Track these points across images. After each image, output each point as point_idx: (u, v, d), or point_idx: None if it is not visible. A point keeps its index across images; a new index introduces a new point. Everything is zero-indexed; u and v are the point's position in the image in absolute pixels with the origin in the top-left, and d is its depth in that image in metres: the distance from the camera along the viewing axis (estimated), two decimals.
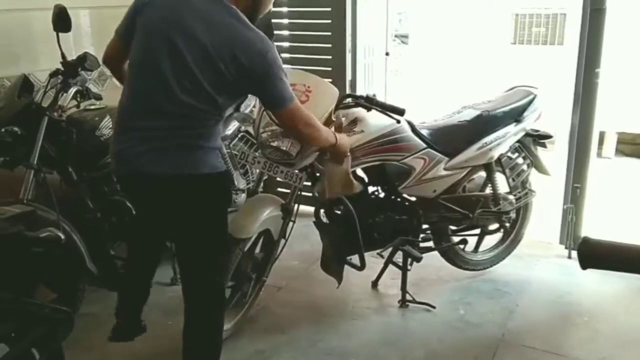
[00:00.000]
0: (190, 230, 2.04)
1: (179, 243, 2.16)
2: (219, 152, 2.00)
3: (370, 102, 2.48)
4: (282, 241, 2.60)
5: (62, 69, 2.56)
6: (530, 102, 2.97)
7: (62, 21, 2.43)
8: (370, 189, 2.79)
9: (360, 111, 2.53)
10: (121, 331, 2.41)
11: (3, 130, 2.37)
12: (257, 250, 2.63)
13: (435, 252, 3.01)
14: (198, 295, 2.12)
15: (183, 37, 1.85)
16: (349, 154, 2.38)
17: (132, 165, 1.94)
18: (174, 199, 1.98)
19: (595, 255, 1.18)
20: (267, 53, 1.86)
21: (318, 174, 2.56)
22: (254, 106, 3.46)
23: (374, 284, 3.08)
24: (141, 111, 1.92)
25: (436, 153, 2.72)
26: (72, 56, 2.62)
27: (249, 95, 3.44)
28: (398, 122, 2.55)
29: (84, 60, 2.55)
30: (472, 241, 3.10)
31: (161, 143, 1.89)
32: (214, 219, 2.05)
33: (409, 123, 2.68)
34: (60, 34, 2.45)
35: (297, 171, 2.44)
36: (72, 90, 2.56)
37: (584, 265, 1.19)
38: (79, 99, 2.63)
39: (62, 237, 1.68)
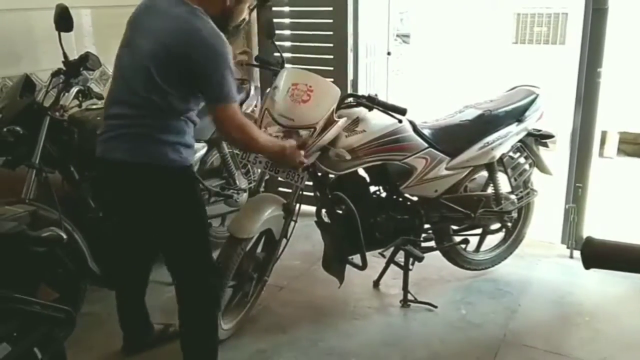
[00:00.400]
0: (158, 225, 2.07)
1: (157, 241, 2.18)
2: (182, 147, 2.00)
3: (371, 102, 2.48)
4: (284, 241, 2.60)
5: (64, 68, 2.57)
6: (532, 101, 2.96)
7: (64, 21, 2.43)
8: (372, 188, 2.78)
9: (361, 111, 2.53)
10: (130, 343, 2.43)
11: (5, 129, 2.38)
12: (259, 250, 2.63)
13: (437, 252, 3.00)
14: (188, 296, 2.14)
15: (141, 33, 1.94)
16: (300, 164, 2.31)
17: (100, 149, 2.03)
18: (133, 188, 2.03)
19: (599, 255, 1.18)
20: (218, 49, 1.89)
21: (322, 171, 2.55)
22: (256, 106, 3.47)
23: (376, 284, 3.07)
24: (113, 102, 2.02)
25: (438, 153, 2.72)
26: (73, 56, 2.63)
27: (251, 95, 3.47)
28: (400, 121, 2.54)
29: (85, 60, 2.56)
30: (473, 241, 3.10)
31: (123, 130, 1.97)
32: (181, 215, 2.05)
33: (411, 123, 2.68)
34: (62, 34, 2.46)
35: (298, 171, 2.44)
36: (74, 89, 2.57)
37: (587, 265, 1.19)
38: (80, 99, 2.64)
39: (64, 236, 1.68)
